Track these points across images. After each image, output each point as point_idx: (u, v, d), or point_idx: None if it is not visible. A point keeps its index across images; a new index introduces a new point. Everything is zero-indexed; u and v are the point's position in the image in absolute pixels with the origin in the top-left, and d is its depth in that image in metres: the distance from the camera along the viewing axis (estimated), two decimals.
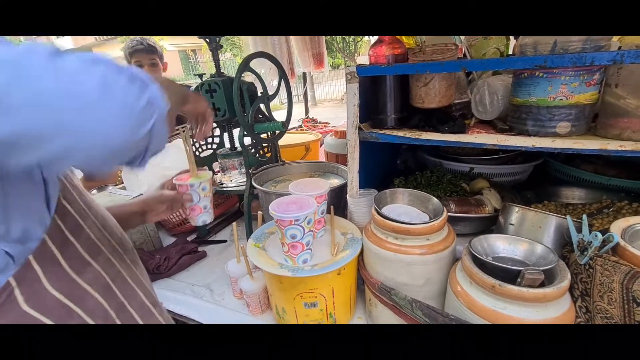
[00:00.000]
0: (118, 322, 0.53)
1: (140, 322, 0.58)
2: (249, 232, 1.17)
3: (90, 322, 0.49)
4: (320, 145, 1.78)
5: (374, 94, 0.89)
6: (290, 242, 0.73)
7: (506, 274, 0.58)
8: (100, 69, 0.35)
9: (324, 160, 1.63)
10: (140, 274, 0.65)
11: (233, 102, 1.09)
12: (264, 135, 1.22)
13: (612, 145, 0.63)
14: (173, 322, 0.71)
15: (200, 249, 1.27)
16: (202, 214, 0.86)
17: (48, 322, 0.45)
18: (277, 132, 1.26)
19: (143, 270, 0.68)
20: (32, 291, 0.43)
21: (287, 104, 1.29)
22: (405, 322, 0.71)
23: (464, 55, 1.05)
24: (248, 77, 1.25)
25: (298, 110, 2.96)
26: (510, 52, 1.12)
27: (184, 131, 0.80)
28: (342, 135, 1.49)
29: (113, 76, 0.36)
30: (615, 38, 0.73)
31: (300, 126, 2.50)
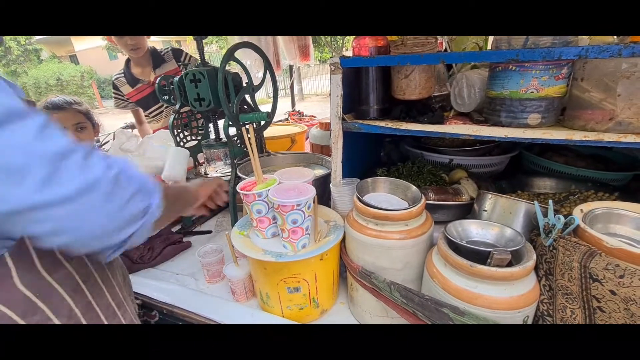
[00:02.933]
0: (83, 321, 0.56)
1: (105, 322, 0.60)
2: (234, 222, 1.18)
3: (54, 318, 0.52)
4: (306, 139, 1.79)
5: (357, 85, 0.91)
6: (291, 227, 0.75)
7: (478, 256, 0.62)
8: (112, 174, 0.43)
9: (309, 151, 1.64)
10: (112, 274, 0.66)
11: (217, 92, 1.09)
12: (248, 125, 1.23)
13: (577, 136, 0.67)
14: (137, 322, 0.71)
15: (185, 239, 1.27)
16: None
17: (12, 314, 0.47)
18: (262, 122, 1.27)
19: (117, 269, 0.69)
20: (1, 286, 0.46)
21: (272, 96, 1.30)
22: (384, 304, 0.74)
23: (445, 49, 1.08)
24: (233, 68, 1.25)
25: (285, 104, 2.95)
26: (489, 47, 1.16)
27: (247, 132, 0.80)
28: (327, 127, 1.51)
29: (123, 183, 0.44)
30: (585, 37, 0.77)
31: (287, 119, 2.50)
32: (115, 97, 1.97)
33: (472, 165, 1.10)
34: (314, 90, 12.08)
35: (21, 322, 0.48)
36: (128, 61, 1.88)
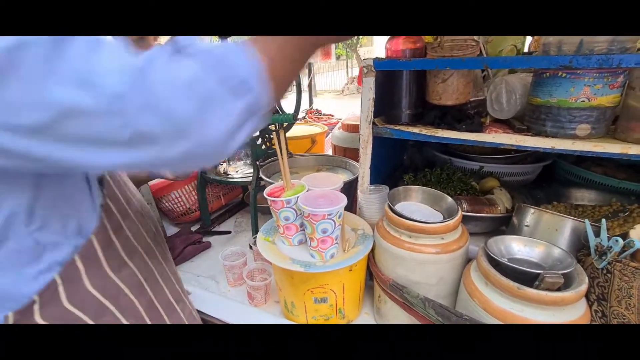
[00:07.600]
0: (147, 319, 0.55)
1: (166, 319, 0.59)
2: (255, 224, 1.16)
3: (122, 319, 0.51)
4: (326, 137, 1.76)
5: (389, 88, 0.88)
6: (320, 236, 0.72)
7: (521, 275, 0.58)
8: (210, 80, 0.34)
9: (330, 153, 1.61)
10: (169, 269, 0.66)
11: None
12: (271, 126, 1.20)
13: (633, 150, 0.62)
14: (196, 317, 0.72)
15: (204, 239, 1.26)
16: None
17: (86, 318, 0.47)
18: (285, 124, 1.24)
19: (171, 264, 0.69)
20: (74, 289, 0.45)
21: (294, 93, 1.27)
22: (416, 320, 0.71)
23: (480, 51, 1.03)
24: None
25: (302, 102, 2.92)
26: (526, 49, 1.10)
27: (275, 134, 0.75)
28: (350, 128, 1.47)
29: (222, 88, 0.35)
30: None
31: (304, 117, 2.47)
32: None
33: (504, 173, 1.06)
34: (327, 87, 12.01)
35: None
36: None
